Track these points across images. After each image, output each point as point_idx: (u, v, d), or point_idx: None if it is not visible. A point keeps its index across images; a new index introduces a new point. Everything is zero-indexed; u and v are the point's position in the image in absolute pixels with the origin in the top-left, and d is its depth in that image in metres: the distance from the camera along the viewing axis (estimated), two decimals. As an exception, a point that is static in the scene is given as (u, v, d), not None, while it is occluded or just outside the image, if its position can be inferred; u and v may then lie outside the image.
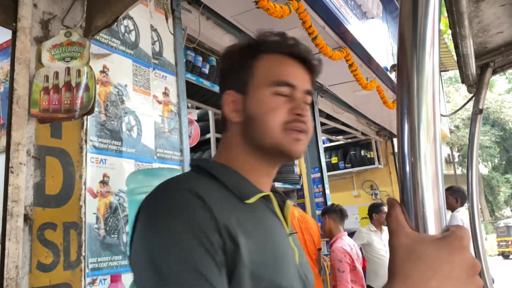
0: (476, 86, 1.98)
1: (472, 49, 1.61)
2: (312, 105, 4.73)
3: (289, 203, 0.85)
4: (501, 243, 18.85)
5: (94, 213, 1.86)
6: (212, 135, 4.76)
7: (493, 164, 23.12)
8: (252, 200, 0.73)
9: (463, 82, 1.98)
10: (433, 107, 0.46)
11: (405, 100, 0.47)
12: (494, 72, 1.91)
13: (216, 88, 3.58)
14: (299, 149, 0.77)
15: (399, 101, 0.48)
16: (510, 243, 16.30)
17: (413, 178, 0.44)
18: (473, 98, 2.02)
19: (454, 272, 0.43)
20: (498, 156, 22.70)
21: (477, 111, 1.95)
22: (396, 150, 7.81)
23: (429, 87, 0.46)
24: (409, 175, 0.45)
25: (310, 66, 0.84)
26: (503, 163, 23.27)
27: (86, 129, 1.91)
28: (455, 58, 1.88)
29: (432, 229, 0.43)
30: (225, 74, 0.88)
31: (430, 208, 0.44)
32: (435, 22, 0.48)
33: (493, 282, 3.84)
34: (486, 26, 1.61)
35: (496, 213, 22.49)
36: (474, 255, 0.45)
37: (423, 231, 0.44)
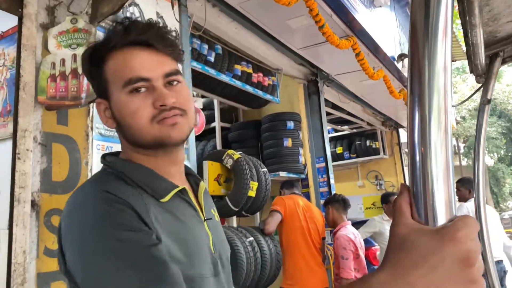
0: (485, 76, 1.96)
1: (482, 38, 1.58)
2: (318, 94, 4.71)
3: (202, 184, 0.88)
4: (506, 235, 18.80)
5: (100, 200, 1.87)
6: (217, 123, 4.76)
7: (499, 156, 23.00)
8: (167, 198, 0.75)
9: (471, 72, 1.96)
10: (445, 97, 0.45)
11: (416, 90, 0.47)
12: (504, 62, 1.88)
13: (222, 77, 3.56)
14: (177, 133, 0.76)
15: (410, 90, 0.47)
16: (514, 234, 16.28)
17: (423, 168, 0.44)
18: (482, 88, 2.00)
19: (445, 263, 0.41)
20: (504, 147, 22.56)
21: (485, 101, 1.93)
22: (401, 140, 7.78)
23: (441, 76, 0.46)
24: (419, 165, 0.44)
25: (160, 47, 0.78)
26: (509, 154, 23.14)
27: (92, 117, 1.91)
28: (463, 48, 1.86)
29: (442, 220, 0.43)
30: (90, 83, 0.85)
31: (440, 199, 0.43)
32: (448, 10, 0.47)
33: (505, 274, 3.84)
34: (496, 14, 1.58)
35: (501, 205, 22.44)
36: (475, 247, 0.42)
37: (432, 222, 0.43)
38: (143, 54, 0.77)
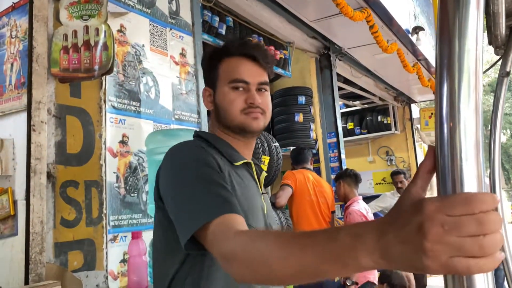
0: (504, 48, 1.90)
1: (503, 8, 1.53)
2: (330, 68, 4.64)
3: (264, 174, 1.15)
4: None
5: (114, 172, 1.89)
6: (228, 97, 4.73)
7: (511, 132, 22.66)
8: (239, 163, 1.04)
9: (490, 43, 1.90)
10: (476, 70, 0.43)
11: (445, 61, 0.45)
12: (525, 34, 1.82)
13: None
14: (256, 125, 1.05)
15: (439, 62, 0.46)
16: (524, 211, 16.20)
17: (452, 143, 0.42)
18: (500, 60, 1.95)
19: (406, 227, 0.45)
20: (518, 123, 22.18)
21: (504, 73, 1.88)
22: (413, 116, 7.67)
23: (472, 48, 0.44)
24: (447, 140, 0.43)
25: (261, 63, 1.07)
26: (523, 131, 22.78)
27: (105, 89, 1.91)
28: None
29: None
30: (204, 74, 1.16)
31: (469, 176, 0.42)
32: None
33: None
34: (520, -17, 1.52)
35: None
36: (437, 221, 0.42)
37: None
38: (249, 64, 1.07)
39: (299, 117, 4.27)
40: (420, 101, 8.15)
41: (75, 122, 1.78)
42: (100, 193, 1.82)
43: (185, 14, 2.53)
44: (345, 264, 0.51)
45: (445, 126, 0.43)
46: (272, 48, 4.04)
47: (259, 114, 1.05)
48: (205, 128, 2.51)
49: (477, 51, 0.44)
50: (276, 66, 4.14)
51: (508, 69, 1.95)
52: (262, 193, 1.10)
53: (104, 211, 1.82)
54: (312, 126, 4.41)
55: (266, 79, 1.09)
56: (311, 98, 4.49)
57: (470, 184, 0.42)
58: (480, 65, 0.44)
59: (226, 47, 1.10)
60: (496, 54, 2.07)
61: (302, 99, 4.34)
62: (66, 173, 1.71)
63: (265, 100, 1.07)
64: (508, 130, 22.46)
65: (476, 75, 0.44)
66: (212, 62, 1.10)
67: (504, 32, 1.81)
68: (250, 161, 1.08)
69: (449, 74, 0.44)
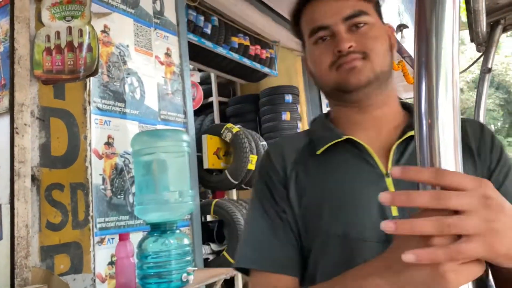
0: (485, 45, 1.94)
1: (483, 5, 1.56)
2: None
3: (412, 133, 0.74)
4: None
5: (100, 174, 1.88)
6: (214, 98, 4.73)
7: (496, 127, 23.08)
8: (320, 151, 0.77)
9: (472, 40, 1.94)
10: (453, 67, 0.44)
11: (422, 59, 0.46)
12: (505, 30, 1.86)
13: (219, 50, 3.51)
14: (354, 78, 0.73)
15: (417, 60, 0.46)
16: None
17: (430, 140, 0.43)
18: (482, 56, 1.98)
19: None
20: (502, 119, 22.60)
21: (485, 70, 1.92)
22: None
23: (449, 46, 0.45)
24: (425, 137, 0.44)
25: None
26: (506, 126, 23.22)
27: (89, 90, 1.89)
28: (462, 18, 1.83)
29: None
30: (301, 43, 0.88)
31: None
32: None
33: None
34: (499, -19, 1.55)
35: (496, 176, 22.68)
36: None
37: None
38: (324, 3, 0.78)
39: (286, 116, 4.29)
40: (406, 98, 8.24)
41: (60, 124, 1.76)
42: (86, 196, 1.80)
43: (170, 14, 2.51)
44: None
45: (424, 123, 0.44)
46: (258, 47, 4.05)
47: (357, 61, 0.73)
48: (191, 128, 2.50)
49: (453, 49, 0.45)
50: (262, 65, 4.15)
51: (489, 66, 1.99)
52: (388, 173, 0.73)
53: (91, 214, 1.80)
54: (299, 124, 4.43)
55: (358, 7, 0.76)
56: (298, 97, 4.51)
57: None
58: (457, 62, 0.45)
59: None
60: (478, 51, 2.11)
61: (289, 98, 4.36)
62: (51, 176, 1.69)
63: (365, 37, 0.74)
64: (492, 126, 22.86)
65: (453, 73, 0.45)
66: (295, 24, 0.85)
67: (485, 29, 1.85)
68: (346, 137, 0.76)
69: (427, 72, 0.45)
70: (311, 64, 0.81)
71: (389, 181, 0.72)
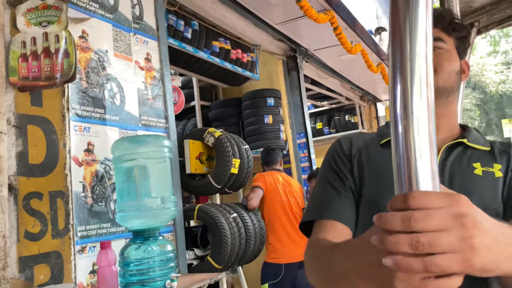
0: (461, 48, 1.98)
1: (458, 8, 1.60)
2: (297, 70, 4.69)
3: (463, 141, 0.95)
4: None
5: (80, 182, 1.85)
6: (197, 102, 4.70)
7: (473, 127, 23.61)
8: (383, 141, 0.97)
9: (447, 43, 1.98)
10: (427, 69, 0.45)
11: (397, 64, 0.47)
12: (479, 32, 1.91)
13: (200, 54, 3.50)
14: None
15: (392, 63, 0.47)
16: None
17: (406, 142, 0.44)
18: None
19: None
20: (478, 118, 23.15)
21: (461, 72, 1.96)
22: (379, 114, 7.86)
23: (422, 48, 0.46)
24: (401, 138, 0.45)
25: (439, 23, 0.96)
26: (483, 125, 23.79)
27: (68, 97, 1.86)
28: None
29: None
30: None
31: (423, 172, 0.44)
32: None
33: None
34: (472, -16, 1.59)
35: (474, 174, 23.19)
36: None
37: None
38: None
39: (269, 119, 4.30)
40: (386, 100, 8.37)
41: (37, 131, 1.72)
42: (66, 204, 1.77)
43: (149, 19, 2.50)
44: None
45: (400, 125, 0.45)
46: (239, 51, 4.05)
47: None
48: (173, 133, 2.49)
49: (427, 53, 0.46)
50: (244, 69, 4.15)
51: (465, 67, 2.03)
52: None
53: (71, 222, 1.77)
54: (282, 127, 4.44)
55: (438, 35, 0.96)
56: (280, 100, 4.53)
57: (425, 181, 0.44)
58: (430, 65, 0.46)
59: None
60: (453, 53, 2.15)
61: (271, 101, 4.37)
62: (29, 185, 1.65)
63: (435, 57, 0.90)
64: (470, 125, 23.36)
65: (427, 76, 0.46)
66: None
67: (459, 32, 1.88)
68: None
69: (402, 75, 0.45)
70: None
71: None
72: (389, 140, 0.87)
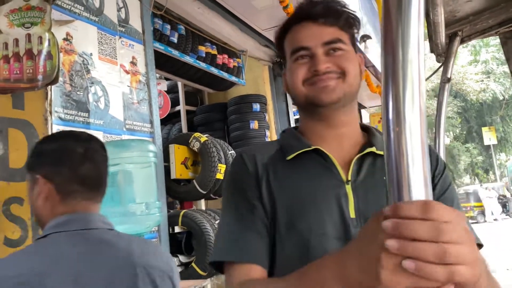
0: (445, 55, 2.02)
1: (442, 17, 1.62)
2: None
3: (372, 150, 0.87)
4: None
5: (63, 187, 1.80)
6: (182, 107, 4.67)
7: (454, 134, 24.05)
8: (290, 157, 0.87)
9: (432, 51, 2.02)
10: (419, 77, 0.45)
11: (389, 71, 0.47)
12: (462, 41, 1.95)
13: (186, 58, 3.49)
14: (326, 95, 0.84)
15: (384, 71, 0.47)
16: (469, 209, 17.19)
17: (399, 148, 0.44)
18: (442, 67, 2.06)
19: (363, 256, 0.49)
20: (460, 126, 23.61)
21: (445, 80, 1.99)
22: (363, 121, 7.97)
23: (415, 57, 0.46)
24: (393, 145, 0.44)
25: (325, 20, 0.87)
26: (464, 133, 24.26)
27: (51, 100, 1.82)
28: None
29: (418, 199, 0.44)
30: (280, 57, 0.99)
31: (415, 178, 0.44)
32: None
33: None
34: (456, -6, 1.62)
35: (456, 181, 23.60)
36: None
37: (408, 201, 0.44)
38: (310, 25, 0.87)
39: (254, 125, 4.30)
40: (370, 107, 8.46)
41: (19, 135, 1.68)
42: (48, 209, 1.72)
43: (135, 22, 2.48)
44: None
45: (392, 131, 0.45)
46: (226, 56, 4.05)
47: (331, 81, 0.83)
48: (158, 138, 2.46)
49: (419, 60, 0.46)
50: (230, 74, 4.15)
51: (449, 75, 2.07)
52: (348, 181, 0.83)
53: (52, 228, 1.72)
54: (268, 133, 4.44)
55: (337, 36, 0.86)
56: (266, 106, 4.53)
57: (417, 188, 0.44)
58: (422, 72, 0.46)
59: (287, 19, 0.93)
60: (438, 61, 2.19)
61: (256, 106, 4.37)
62: (9, 190, 1.61)
63: (339, 60, 0.85)
64: (451, 132, 23.81)
65: (419, 82, 0.46)
66: (279, 42, 0.95)
67: (444, 40, 1.92)
68: (314, 147, 0.86)
69: (394, 82, 0.45)
70: (289, 78, 0.90)
71: (348, 187, 0.84)
72: (298, 155, 0.86)
